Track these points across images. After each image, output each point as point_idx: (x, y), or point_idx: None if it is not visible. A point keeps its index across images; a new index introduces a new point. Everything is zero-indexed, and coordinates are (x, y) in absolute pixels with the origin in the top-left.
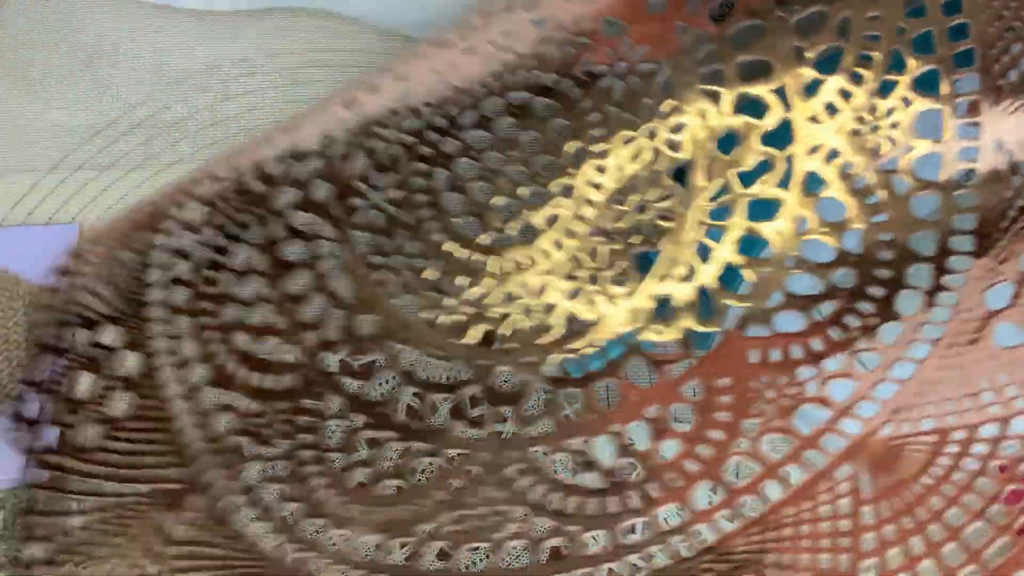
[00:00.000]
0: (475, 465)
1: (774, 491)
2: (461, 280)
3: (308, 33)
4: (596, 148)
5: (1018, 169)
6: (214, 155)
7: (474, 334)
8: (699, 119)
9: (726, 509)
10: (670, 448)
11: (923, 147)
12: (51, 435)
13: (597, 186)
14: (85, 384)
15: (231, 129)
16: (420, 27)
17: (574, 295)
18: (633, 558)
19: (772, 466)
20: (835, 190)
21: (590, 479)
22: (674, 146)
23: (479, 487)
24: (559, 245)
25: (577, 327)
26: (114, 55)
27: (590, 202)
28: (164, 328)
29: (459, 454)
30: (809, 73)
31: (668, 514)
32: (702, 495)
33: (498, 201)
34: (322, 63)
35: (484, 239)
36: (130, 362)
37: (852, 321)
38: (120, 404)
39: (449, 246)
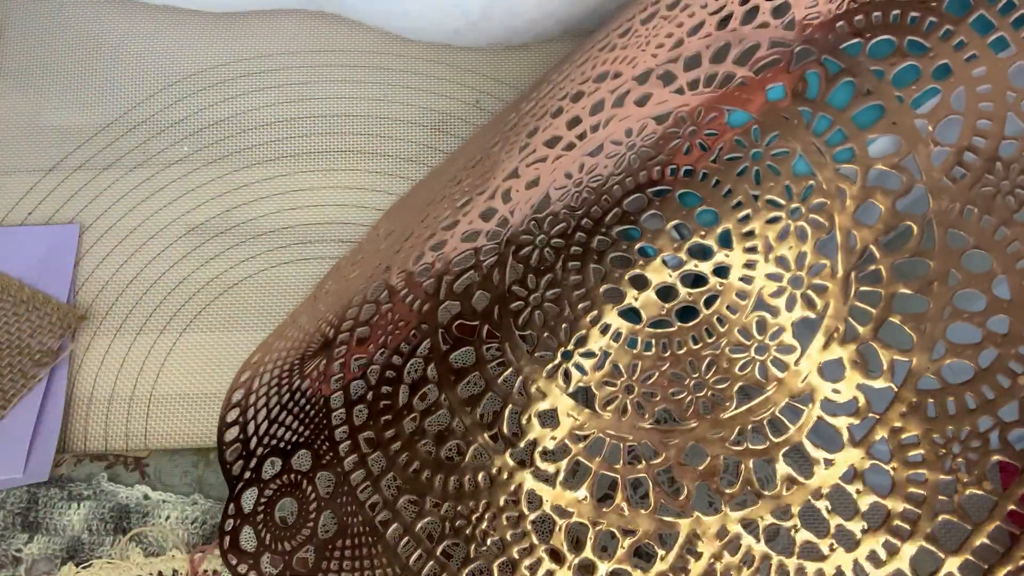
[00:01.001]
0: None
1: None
2: (633, 363)
3: (308, 34)
4: (744, 229)
5: None
6: (359, 277)
7: (652, 415)
8: (838, 198)
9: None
10: (877, 510)
11: None
12: (269, 563)
13: (751, 265)
14: (289, 509)
15: (231, 129)
16: (416, 30)
17: (745, 367)
18: None
19: (979, 525)
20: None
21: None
22: (818, 224)
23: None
24: (722, 321)
25: (755, 396)
26: (114, 56)
27: (747, 279)
28: (351, 446)
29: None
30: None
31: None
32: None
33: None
34: (322, 63)
35: (645, 322)
36: (324, 483)
37: (1017, 367)
38: (327, 525)
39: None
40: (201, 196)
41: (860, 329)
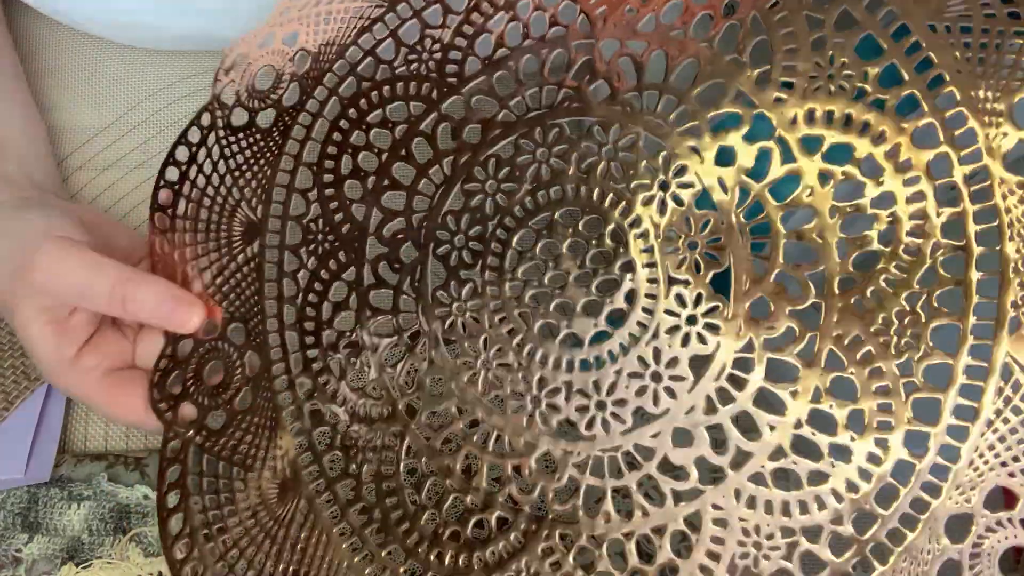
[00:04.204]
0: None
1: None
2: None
3: None
4: (628, 220)
5: None
6: None
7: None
8: (696, 156)
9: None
10: (856, 418)
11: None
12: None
13: (649, 250)
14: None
15: None
16: None
17: (685, 341)
18: None
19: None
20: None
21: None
22: (686, 184)
23: None
24: (647, 308)
25: (701, 365)
26: (112, 57)
27: (651, 264)
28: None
29: None
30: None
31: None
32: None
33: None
34: None
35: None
36: (252, 361)
37: (916, 238)
38: (244, 399)
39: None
40: None
41: (768, 261)
